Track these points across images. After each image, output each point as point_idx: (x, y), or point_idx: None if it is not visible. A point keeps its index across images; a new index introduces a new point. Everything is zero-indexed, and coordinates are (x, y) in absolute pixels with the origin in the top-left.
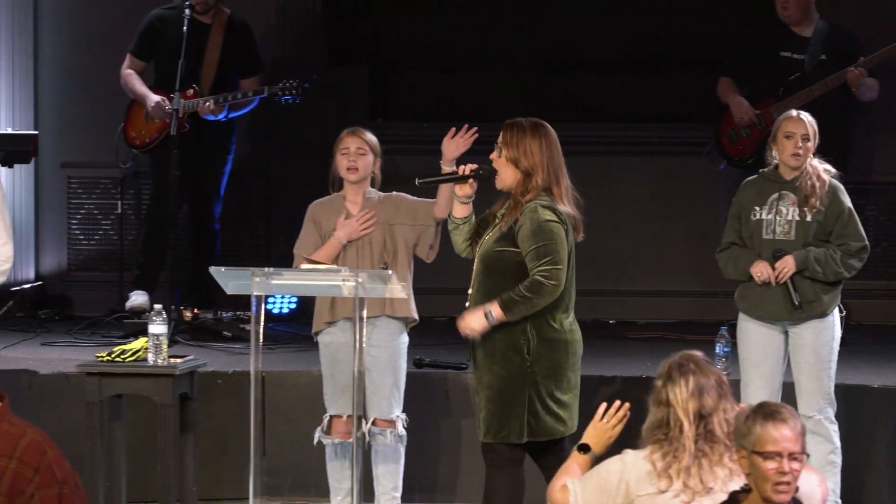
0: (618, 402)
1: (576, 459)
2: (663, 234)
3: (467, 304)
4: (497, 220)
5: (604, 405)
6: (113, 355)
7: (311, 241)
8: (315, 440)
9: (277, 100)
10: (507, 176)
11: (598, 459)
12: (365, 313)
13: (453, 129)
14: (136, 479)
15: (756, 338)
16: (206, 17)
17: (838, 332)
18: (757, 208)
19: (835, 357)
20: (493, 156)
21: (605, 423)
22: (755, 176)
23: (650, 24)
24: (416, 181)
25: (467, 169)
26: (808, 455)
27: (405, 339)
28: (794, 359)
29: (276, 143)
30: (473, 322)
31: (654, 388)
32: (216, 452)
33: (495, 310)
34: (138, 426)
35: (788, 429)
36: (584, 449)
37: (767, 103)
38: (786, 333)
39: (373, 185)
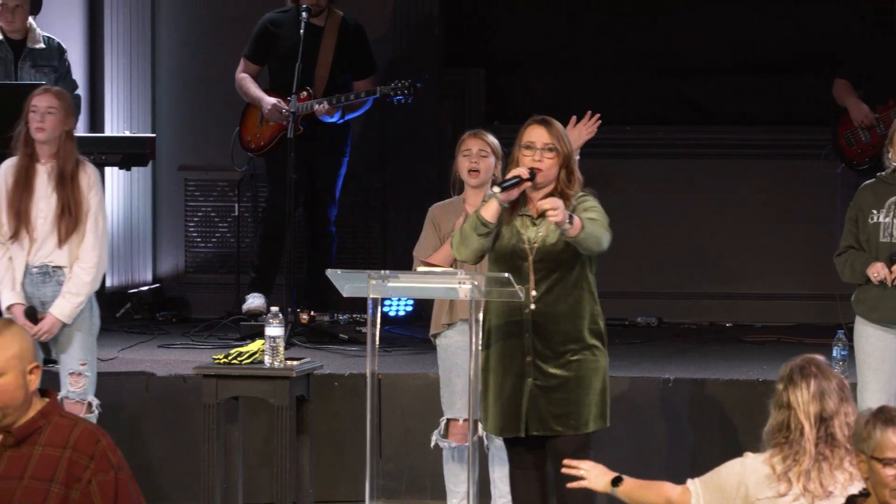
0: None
1: (629, 486)
2: (780, 236)
3: (533, 305)
4: (537, 219)
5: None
6: (230, 357)
7: (430, 244)
8: (432, 443)
9: (389, 100)
10: (553, 174)
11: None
12: (481, 316)
13: (574, 118)
14: (253, 482)
15: (873, 341)
16: (319, 20)
17: None
18: (874, 212)
19: None
20: (540, 157)
21: (589, 476)
22: (872, 180)
23: (765, 26)
24: (493, 189)
25: (525, 171)
26: None
27: None
28: None
29: (392, 146)
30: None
31: (776, 391)
32: (332, 455)
33: (576, 222)
34: (255, 428)
35: None
36: (617, 481)
37: (887, 106)
38: None
39: None
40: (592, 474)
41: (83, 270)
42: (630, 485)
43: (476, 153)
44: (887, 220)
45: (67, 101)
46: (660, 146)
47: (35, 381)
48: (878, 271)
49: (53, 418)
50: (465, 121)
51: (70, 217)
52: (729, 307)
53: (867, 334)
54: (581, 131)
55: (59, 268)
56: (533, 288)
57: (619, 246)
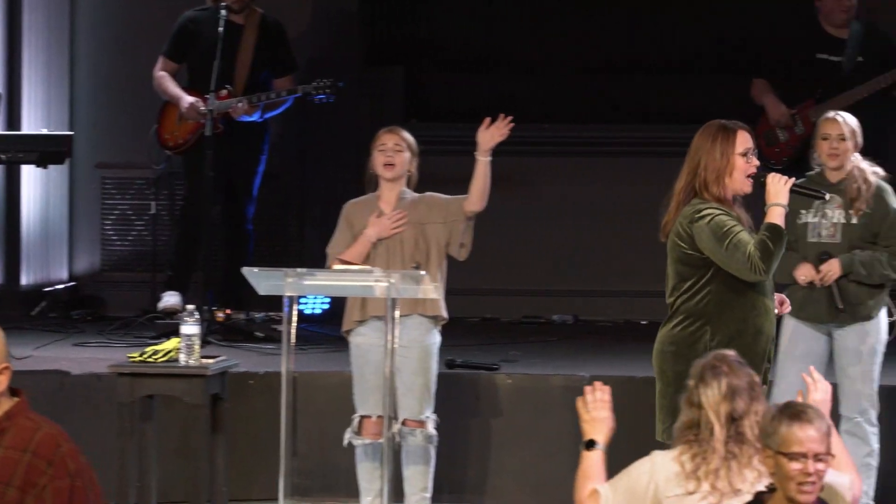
0: (594, 386)
1: (588, 459)
2: None
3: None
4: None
5: (583, 397)
6: (145, 356)
7: (344, 241)
8: (345, 441)
9: (311, 99)
10: None
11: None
12: (397, 313)
13: (488, 120)
14: (167, 480)
15: (797, 335)
16: (239, 18)
17: (884, 335)
18: (803, 212)
19: (879, 359)
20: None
21: (592, 413)
22: (802, 179)
23: (685, 25)
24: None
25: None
26: (833, 455)
27: (437, 338)
28: (838, 361)
29: (310, 144)
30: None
31: (687, 388)
32: (247, 453)
33: None
34: (169, 427)
35: (814, 429)
36: (591, 445)
37: (805, 106)
38: (830, 336)
39: (408, 185)
40: (594, 416)
41: None
42: (587, 459)
43: (391, 148)
44: (815, 220)
45: None
46: (579, 144)
47: (4, 381)
48: (804, 274)
49: (19, 420)
50: (383, 119)
51: None
52: (643, 305)
53: (791, 327)
54: (493, 133)
55: None
56: None
57: (537, 243)
